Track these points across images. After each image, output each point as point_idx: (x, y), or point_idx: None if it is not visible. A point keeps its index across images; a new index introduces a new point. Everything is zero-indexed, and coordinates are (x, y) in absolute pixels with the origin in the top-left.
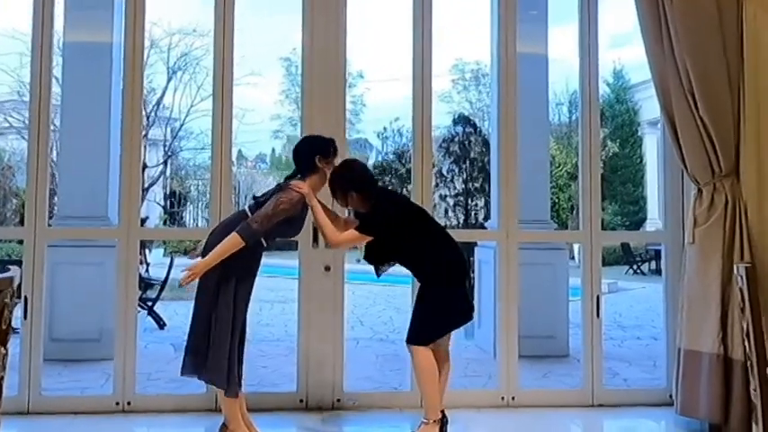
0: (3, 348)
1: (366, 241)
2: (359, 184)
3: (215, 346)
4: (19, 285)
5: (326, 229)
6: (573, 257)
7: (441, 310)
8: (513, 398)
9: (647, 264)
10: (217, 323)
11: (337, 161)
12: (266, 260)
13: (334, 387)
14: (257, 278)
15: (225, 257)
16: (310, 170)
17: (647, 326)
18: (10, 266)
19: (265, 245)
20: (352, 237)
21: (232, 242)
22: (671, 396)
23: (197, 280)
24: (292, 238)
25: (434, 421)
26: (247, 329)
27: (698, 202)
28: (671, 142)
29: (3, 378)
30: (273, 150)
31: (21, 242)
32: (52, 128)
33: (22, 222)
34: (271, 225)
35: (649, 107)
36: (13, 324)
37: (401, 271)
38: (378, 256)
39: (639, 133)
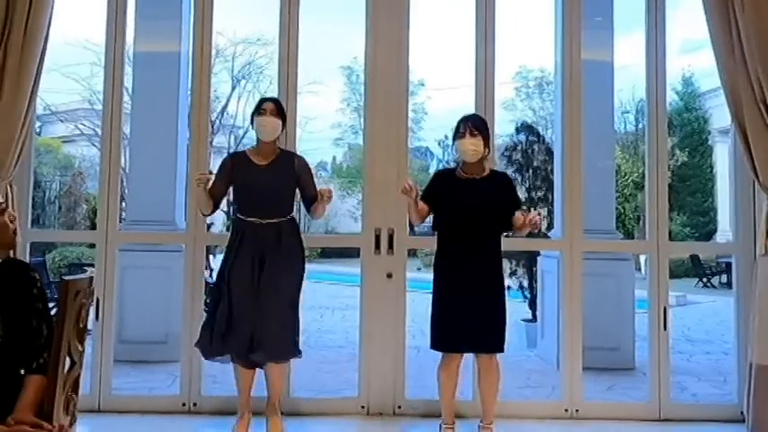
0: (80, 346)
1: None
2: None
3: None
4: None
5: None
6: (639, 269)
7: None
8: (576, 410)
9: (717, 277)
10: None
11: (270, 113)
12: (327, 267)
13: (395, 394)
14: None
15: None
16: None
17: (717, 340)
18: (87, 268)
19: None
20: None
21: None
22: (742, 413)
23: None
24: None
25: None
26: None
27: None
28: (742, 151)
29: (80, 375)
30: (334, 158)
31: (91, 246)
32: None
33: (91, 227)
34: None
35: (720, 115)
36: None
37: None
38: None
39: (709, 142)
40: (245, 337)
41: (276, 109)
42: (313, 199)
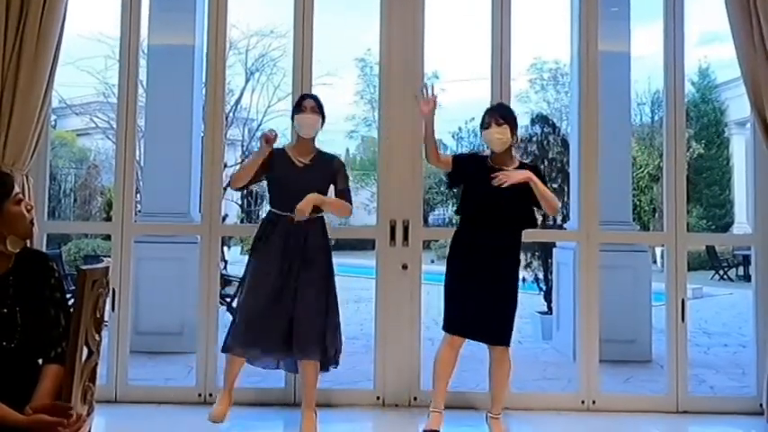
0: (98, 336)
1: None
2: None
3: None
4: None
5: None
6: (655, 261)
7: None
8: (593, 402)
9: (734, 269)
10: None
11: (311, 111)
12: (340, 259)
13: (410, 385)
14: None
15: None
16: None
17: (734, 333)
18: (103, 258)
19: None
20: None
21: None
22: (761, 405)
23: None
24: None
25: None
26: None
27: None
28: (761, 140)
29: (97, 364)
30: (347, 150)
31: (106, 238)
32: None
33: (107, 219)
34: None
35: (737, 106)
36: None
37: None
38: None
39: (726, 134)
40: (274, 331)
41: (316, 106)
42: (338, 195)
